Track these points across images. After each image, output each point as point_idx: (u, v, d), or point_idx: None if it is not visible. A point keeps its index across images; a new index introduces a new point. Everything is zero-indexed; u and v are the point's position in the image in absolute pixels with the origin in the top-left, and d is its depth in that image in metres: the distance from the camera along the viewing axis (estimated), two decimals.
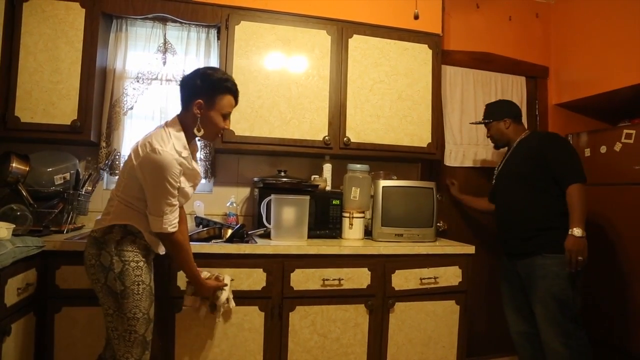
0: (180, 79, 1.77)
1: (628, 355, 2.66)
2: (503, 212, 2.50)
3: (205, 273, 1.91)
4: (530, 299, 2.35)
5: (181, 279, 2.03)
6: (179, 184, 1.62)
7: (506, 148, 2.61)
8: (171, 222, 1.61)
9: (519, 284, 2.43)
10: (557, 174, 2.28)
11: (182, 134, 1.66)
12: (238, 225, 2.39)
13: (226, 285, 1.93)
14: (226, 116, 1.73)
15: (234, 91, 1.74)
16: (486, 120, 2.61)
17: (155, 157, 1.54)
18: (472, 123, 2.88)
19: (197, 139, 1.78)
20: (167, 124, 1.68)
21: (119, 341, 1.59)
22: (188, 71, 2.60)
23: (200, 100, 1.66)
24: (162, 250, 1.80)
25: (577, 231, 2.18)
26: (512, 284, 2.49)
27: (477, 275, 3.00)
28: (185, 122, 1.69)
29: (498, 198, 2.55)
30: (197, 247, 2.06)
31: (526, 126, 3.28)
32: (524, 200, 2.36)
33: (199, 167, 1.83)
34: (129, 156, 1.64)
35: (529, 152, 2.38)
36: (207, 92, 1.67)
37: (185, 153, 1.64)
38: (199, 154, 2.67)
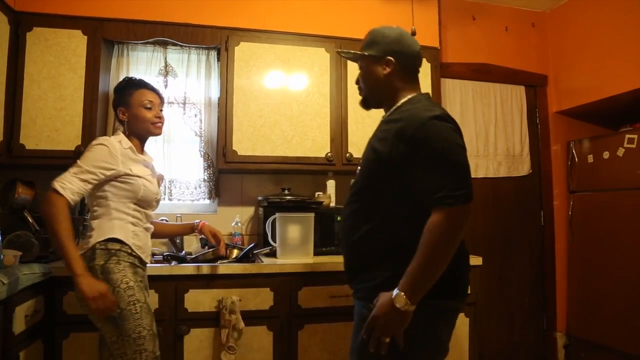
0: None
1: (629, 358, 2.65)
2: None
3: None
4: None
5: (188, 302, 2.03)
6: (114, 168, 1.65)
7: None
8: (64, 184, 1.58)
9: None
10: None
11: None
12: (251, 245, 2.37)
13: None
14: (147, 106, 1.79)
15: (142, 84, 1.83)
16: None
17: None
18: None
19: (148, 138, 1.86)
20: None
21: None
22: (189, 93, 2.68)
23: (120, 107, 1.80)
24: (149, 258, 1.79)
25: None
26: None
27: (485, 286, 2.97)
28: (124, 130, 1.81)
29: None
30: (203, 268, 2.07)
31: (527, 135, 3.31)
32: None
33: (151, 165, 1.86)
34: None
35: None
36: (120, 98, 1.81)
37: (126, 144, 1.73)
38: (203, 174, 2.69)
